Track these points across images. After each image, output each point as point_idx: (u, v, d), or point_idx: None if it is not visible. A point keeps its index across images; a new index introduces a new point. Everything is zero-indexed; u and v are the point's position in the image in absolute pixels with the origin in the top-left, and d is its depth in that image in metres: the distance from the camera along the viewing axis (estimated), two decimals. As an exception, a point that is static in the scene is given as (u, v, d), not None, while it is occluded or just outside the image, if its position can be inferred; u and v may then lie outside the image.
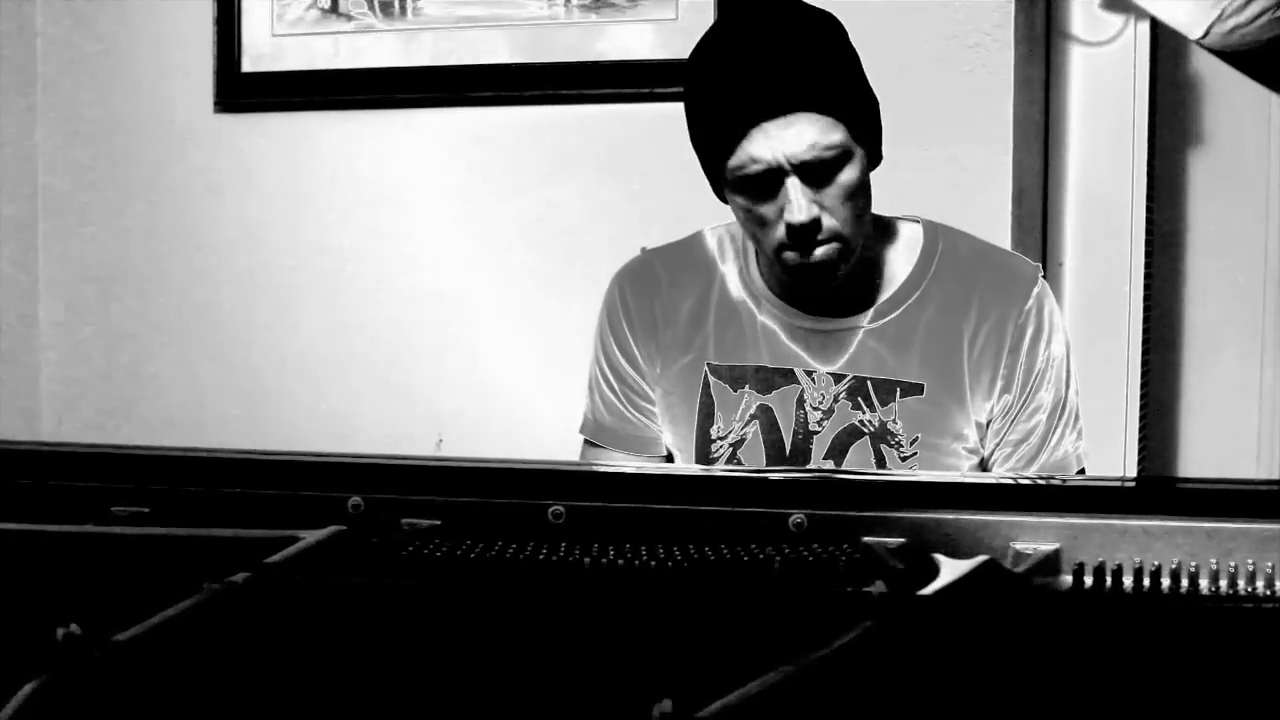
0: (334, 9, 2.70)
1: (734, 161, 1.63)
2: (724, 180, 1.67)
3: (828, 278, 1.69)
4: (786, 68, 1.61)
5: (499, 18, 2.63)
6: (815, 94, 1.61)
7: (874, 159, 1.70)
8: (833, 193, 1.63)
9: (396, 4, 2.67)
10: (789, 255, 1.67)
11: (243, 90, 2.75)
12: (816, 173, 1.62)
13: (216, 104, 2.77)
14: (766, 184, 1.63)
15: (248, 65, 2.74)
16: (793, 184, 1.61)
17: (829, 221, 1.64)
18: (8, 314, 2.85)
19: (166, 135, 2.81)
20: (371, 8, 2.68)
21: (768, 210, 1.65)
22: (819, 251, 1.65)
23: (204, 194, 2.81)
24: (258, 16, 2.73)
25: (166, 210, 2.83)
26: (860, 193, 1.66)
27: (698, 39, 1.72)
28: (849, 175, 1.64)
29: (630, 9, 2.56)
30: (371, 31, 2.68)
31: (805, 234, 1.64)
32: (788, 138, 1.60)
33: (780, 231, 1.65)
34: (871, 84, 1.70)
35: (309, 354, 2.77)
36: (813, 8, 1.69)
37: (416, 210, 2.72)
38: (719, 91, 1.64)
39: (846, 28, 1.69)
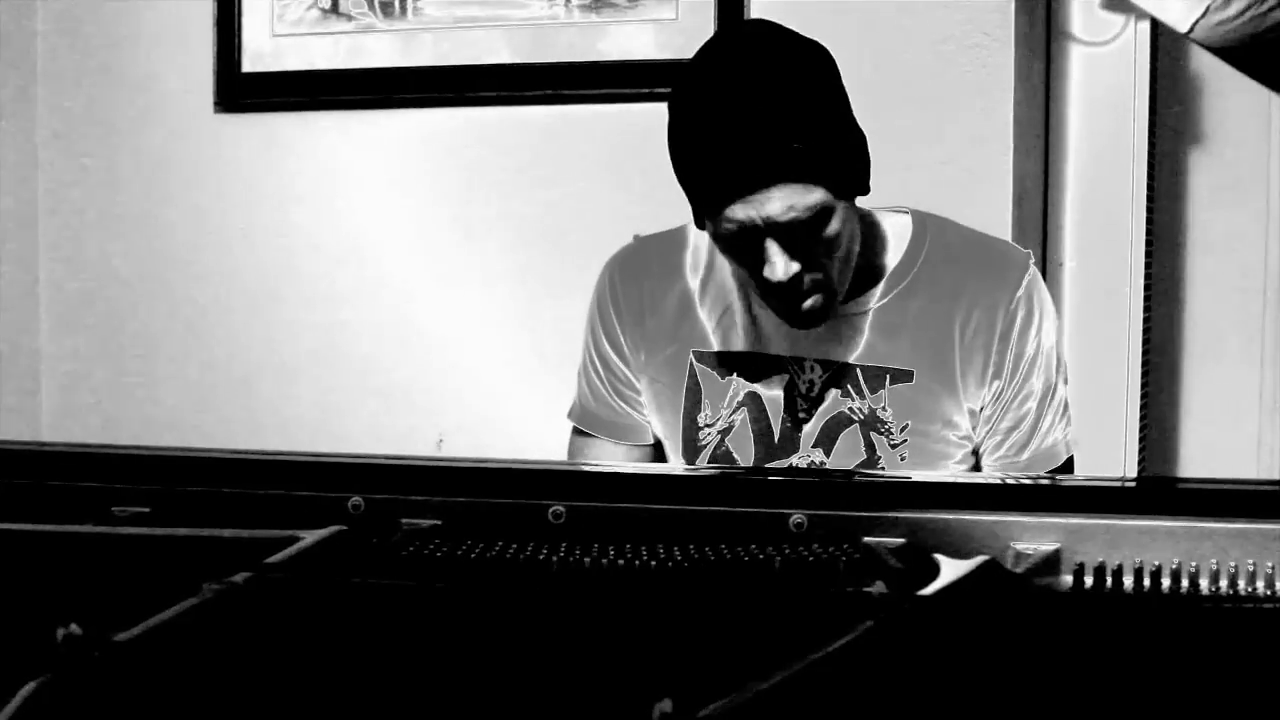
0: (334, 9, 2.70)
1: (713, 227, 1.63)
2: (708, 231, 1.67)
3: (815, 324, 1.70)
4: (761, 143, 1.57)
5: (499, 18, 2.63)
6: (790, 166, 1.58)
7: (862, 193, 1.68)
8: (814, 249, 1.62)
9: (396, 4, 2.67)
10: (776, 306, 1.68)
11: (243, 90, 2.75)
12: (794, 233, 1.60)
13: (216, 104, 2.77)
14: (745, 243, 1.62)
15: (248, 65, 2.74)
16: (770, 245, 1.60)
17: (812, 275, 1.63)
18: (8, 314, 2.85)
19: (166, 135, 2.82)
20: (371, 8, 2.68)
21: (750, 265, 1.64)
22: (805, 304, 1.66)
23: (204, 194, 2.81)
24: (258, 17, 2.73)
25: (166, 210, 2.83)
26: (842, 240, 1.64)
27: (692, 55, 1.65)
28: (830, 229, 1.61)
29: (630, 9, 2.56)
30: (371, 31, 2.68)
31: (786, 290, 1.64)
32: (765, 207, 1.58)
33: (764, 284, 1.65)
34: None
35: (309, 354, 2.77)
36: (798, 44, 1.63)
37: (416, 210, 2.72)
38: (697, 166, 1.62)
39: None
